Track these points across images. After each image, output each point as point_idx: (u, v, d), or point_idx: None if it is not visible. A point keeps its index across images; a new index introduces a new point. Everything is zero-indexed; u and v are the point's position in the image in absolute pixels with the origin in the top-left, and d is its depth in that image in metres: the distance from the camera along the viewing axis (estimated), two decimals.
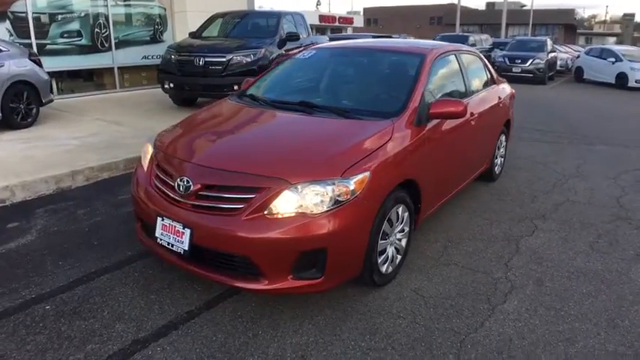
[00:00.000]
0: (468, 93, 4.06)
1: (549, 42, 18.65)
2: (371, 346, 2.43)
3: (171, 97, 7.93)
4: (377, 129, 2.85)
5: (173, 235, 2.54)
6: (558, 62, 19.49)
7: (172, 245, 2.55)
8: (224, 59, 7.11)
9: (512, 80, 18.78)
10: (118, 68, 9.72)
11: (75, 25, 8.86)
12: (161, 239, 2.60)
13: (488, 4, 65.38)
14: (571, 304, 2.90)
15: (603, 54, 17.06)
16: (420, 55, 3.58)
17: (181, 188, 2.54)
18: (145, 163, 3.02)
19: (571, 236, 3.87)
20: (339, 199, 2.40)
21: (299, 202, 2.38)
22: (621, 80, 15.68)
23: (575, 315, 2.79)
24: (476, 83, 4.39)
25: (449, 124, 3.45)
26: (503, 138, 5.15)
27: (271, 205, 2.38)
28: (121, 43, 9.71)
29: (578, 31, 63.17)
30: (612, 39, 73.54)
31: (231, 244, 2.40)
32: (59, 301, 2.72)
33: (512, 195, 4.81)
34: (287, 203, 2.38)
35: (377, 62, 3.77)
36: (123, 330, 2.47)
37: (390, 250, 2.92)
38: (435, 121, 3.27)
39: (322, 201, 2.38)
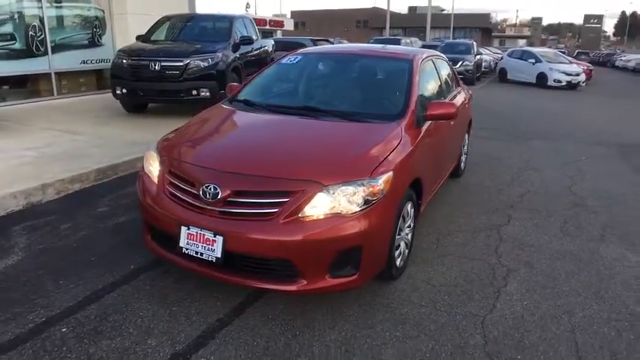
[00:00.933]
0: (444, 95, 4.33)
1: (475, 45, 19.96)
2: (406, 335, 2.56)
3: (122, 103, 7.58)
4: (388, 131, 2.99)
5: (202, 243, 2.51)
6: (483, 64, 20.90)
7: (202, 254, 2.51)
8: (181, 63, 6.93)
9: None
10: (55, 74, 9.09)
11: (7, 28, 8.18)
12: (187, 249, 2.56)
13: (410, 9, 68.42)
14: (560, 282, 3.22)
15: (524, 56, 18.57)
16: (408, 61, 3.78)
17: (208, 195, 2.52)
18: (152, 171, 2.93)
19: (542, 223, 4.25)
20: (369, 198, 2.51)
21: (332, 203, 2.46)
22: (541, 80, 17.18)
23: (567, 291, 3.10)
24: (448, 86, 4.68)
25: (434, 124, 3.68)
26: (466, 136, 5.52)
27: (306, 208, 2.44)
28: (58, 47, 9.09)
29: (493, 34, 67.88)
30: (523, 41, 79.92)
31: (270, 248, 2.43)
32: (75, 322, 2.58)
33: (480, 189, 5.17)
34: (321, 205, 2.45)
35: (367, 67, 3.92)
36: (157, 345, 2.41)
37: (402, 245, 3.07)
38: (427, 122, 3.48)
39: (355, 201, 2.48)
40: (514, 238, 3.89)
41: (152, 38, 8.04)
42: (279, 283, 2.50)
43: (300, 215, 2.43)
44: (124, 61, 7.06)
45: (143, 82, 6.99)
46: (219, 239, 2.45)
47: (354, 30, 60.38)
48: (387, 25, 30.47)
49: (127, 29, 9.59)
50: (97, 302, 2.75)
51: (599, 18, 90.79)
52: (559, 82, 16.87)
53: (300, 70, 4.01)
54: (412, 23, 56.58)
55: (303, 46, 16.53)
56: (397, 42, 20.19)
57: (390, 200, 2.64)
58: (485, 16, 60.58)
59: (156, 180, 2.86)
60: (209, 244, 2.49)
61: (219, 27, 8.23)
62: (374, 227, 2.53)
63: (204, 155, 2.85)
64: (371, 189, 2.52)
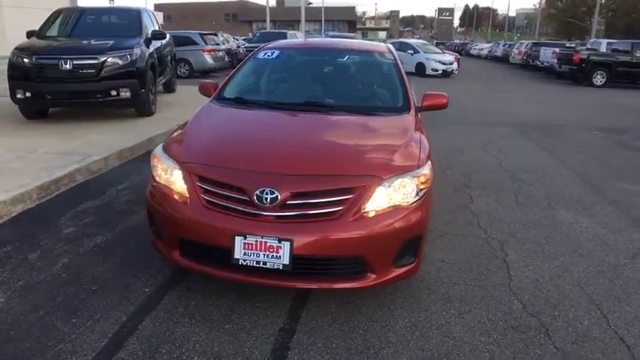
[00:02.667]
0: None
1: (355, 38, 21.03)
2: (460, 311, 2.73)
3: (22, 108, 6.54)
4: (406, 122, 3.10)
5: (264, 252, 2.36)
6: None
7: (265, 263, 2.37)
8: (97, 61, 6.21)
9: None
10: None
11: None
12: (245, 260, 2.38)
13: (278, 2, 68.93)
14: (546, 246, 3.67)
15: (402, 47, 20.04)
16: (387, 53, 3.91)
17: (265, 200, 2.37)
18: (173, 181, 2.65)
19: (499, 198, 4.74)
20: (421, 187, 2.60)
21: (391, 195, 2.50)
22: (420, 69, 18.73)
23: (554, 253, 3.55)
24: None
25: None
26: None
27: (368, 203, 2.44)
28: None
29: (357, 26, 71.67)
30: (383, 33, 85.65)
31: (342, 247, 2.39)
32: None
33: None
34: (381, 199, 2.47)
35: (353, 61, 3.96)
36: None
37: None
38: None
39: (411, 191, 2.55)
40: (487, 214, 4.29)
41: (47, 34, 7.03)
42: (351, 281, 2.47)
43: (364, 211, 2.43)
44: (25, 60, 6.10)
45: (51, 84, 6.12)
46: (286, 245, 2.34)
47: (224, 23, 59.09)
48: (267, 19, 30.51)
49: (1, 23, 8.26)
50: (134, 335, 2.43)
51: (451, 11, 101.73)
52: (436, 70, 18.59)
53: (285, 66, 3.90)
54: (282, 17, 57.16)
55: (192, 40, 15.85)
56: (284, 35, 20.37)
57: (430, 188, 2.75)
58: (351, 10, 63.78)
59: (182, 190, 2.59)
60: (273, 252, 2.35)
61: (126, 21, 7.51)
62: (428, 215, 2.63)
63: (246, 158, 2.66)
64: (422, 178, 2.61)
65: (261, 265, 2.38)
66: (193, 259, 2.60)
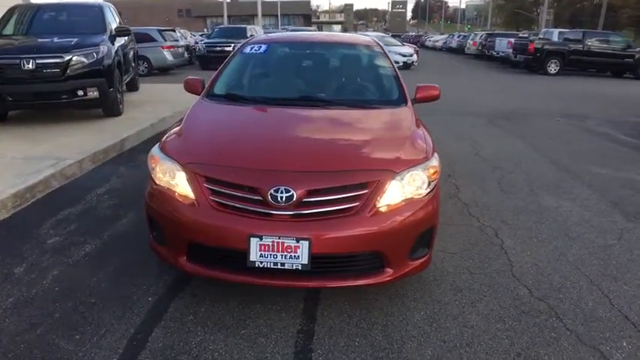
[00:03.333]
0: None
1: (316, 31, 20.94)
2: (473, 300, 2.76)
3: None
4: (406, 114, 3.09)
5: (282, 252, 2.28)
6: None
7: (283, 264, 2.29)
8: (62, 60, 5.86)
9: None
10: None
11: None
12: (261, 262, 2.30)
13: None
14: (536, 231, 3.76)
15: None
16: (375, 45, 3.88)
17: (280, 199, 2.29)
18: (175, 184, 2.52)
19: (484, 187, 4.83)
20: (432, 179, 2.59)
21: (404, 189, 2.47)
22: None
23: (547, 238, 3.65)
24: None
25: None
26: None
27: (383, 197, 2.41)
28: None
29: (312, 20, 71.48)
30: (337, 26, 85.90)
31: (361, 243, 2.35)
32: None
33: None
34: (396, 192, 2.45)
35: (341, 54, 3.91)
36: None
37: None
38: None
39: (422, 184, 2.53)
40: (475, 202, 4.36)
41: (3, 33, 6.57)
42: (368, 277, 2.44)
43: (379, 205, 2.39)
44: None
45: (12, 85, 5.73)
46: (304, 244, 2.27)
47: (177, 19, 57.53)
48: (225, 14, 29.87)
49: None
50: (146, 349, 2.30)
51: (404, 3, 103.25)
52: (397, 62, 18.71)
53: (274, 60, 3.80)
54: (237, 11, 56.20)
55: (150, 37, 15.32)
56: (243, 31, 20.02)
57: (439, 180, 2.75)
58: (306, 3, 63.51)
59: (187, 193, 2.47)
60: (291, 252, 2.28)
61: (88, 17, 7.13)
62: (438, 206, 2.63)
63: (256, 156, 2.56)
64: (431, 170, 2.60)
65: (278, 267, 2.30)
66: (202, 264, 2.48)
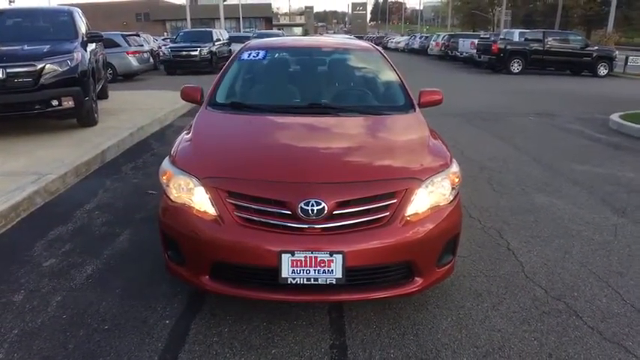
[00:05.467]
0: None
1: (215, 32, 20.80)
2: (493, 303, 2.78)
3: None
4: (420, 122, 3.09)
5: (315, 267, 2.22)
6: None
7: (316, 279, 2.23)
8: (34, 68, 5.55)
9: None
10: None
11: None
12: (294, 278, 2.23)
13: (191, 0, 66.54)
14: (538, 230, 3.84)
15: None
16: (375, 50, 3.87)
17: (311, 212, 2.23)
18: (195, 200, 2.41)
19: (477, 187, 4.91)
20: (454, 185, 2.59)
21: (430, 196, 2.46)
22: None
23: (549, 236, 3.73)
24: None
25: None
26: None
27: (412, 205, 2.38)
28: None
29: (273, 22, 71.20)
30: (298, 29, 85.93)
31: (394, 253, 2.31)
32: None
33: None
34: (423, 200, 2.43)
35: (342, 59, 3.86)
36: None
37: None
38: None
39: (448, 190, 2.53)
40: (473, 204, 4.41)
41: None
42: (399, 288, 2.40)
43: (408, 214, 2.37)
44: None
45: None
46: (338, 258, 2.21)
47: (135, 23, 55.92)
48: (188, 17, 29.24)
49: None
50: None
51: (364, 5, 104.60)
52: None
53: (276, 67, 3.73)
54: (197, 14, 55.26)
55: (114, 42, 14.79)
56: (209, 34, 19.71)
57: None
58: (267, 6, 63.20)
59: (207, 209, 2.37)
60: (325, 266, 2.22)
61: (58, 22, 6.80)
62: (461, 212, 2.63)
63: (280, 169, 2.47)
64: (454, 176, 2.60)
65: (312, 282, 2.24)
66: (228, 283, 2.39)
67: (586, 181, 5.15)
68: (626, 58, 19.36)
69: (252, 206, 2.30)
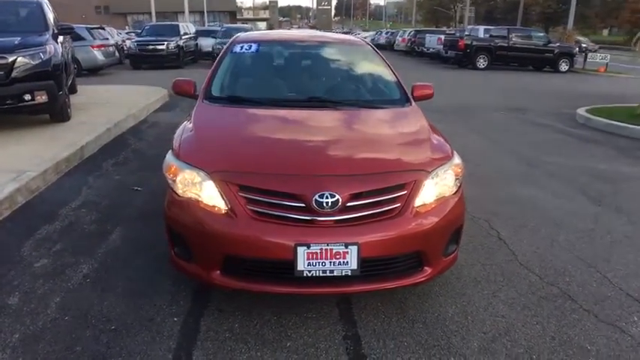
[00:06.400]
0: None
1: (183, 26, 20.53)
2: (494, 291, 2.88)
3: None
4: (419, 115, 3.15)
5: (330, 259, 2.23)
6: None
7: (332, 271, 2.25)
8: (5, 61, 5.28)
9: None
10: None
11: None
12: (309, 271, 2.24)
13: None
14: (525, 220, 3.99)
15: None
16: (366, 45, 3.90)
17: (325, 205, 2.24)
18: (203, 195, 2.38)
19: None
20: (458, 176, 2.65)
21: (437, 187, 2.52)
22: None
23: (536, 225, 3.88)
24: None
25: None
26: None
27: (420, 196, 2.43)
28: None
29: (238, 17, 70.17)
30: (262, 23, 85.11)
31: (406, 244, 2.36)
32: None
33: None
34: (431, 191, 2.49)
35: (335, 53, 3.86)
36: None
37: None
38: None
39: (452, 181, 2.59)
40: None
41: None
42: (409, 277, 2.45)
43: (418, 205, 2.42)
44: None
45: None
46: (353, 249, 2.24)
47: (94, 16, 53.92)
48: (153, 11, 28.44)
49: None
50: None
51: (329, 0, 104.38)
52: None
53: (270, 60, 3.70)
54: (160, 8, 53.77)
55: (78, 35, 14.24)
56: (176, 28, 19.27)
57: None
58: (232, 0, 62.32)
59: (217, 203, 2.34)
60: (340, 258, 2.24)
61: (26, 13, 6.49)
62: (464, 202, 2.70)
63: (291, 162, 2.47)
64: (457, 167, 2.67)
65: (327, 274, 2.25)
66: (240, 278, 2.37)
67: (562, 172, 5.37)
68: (586, 55, 20.23)
69: (265, 199, 2.30)
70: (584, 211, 4.24)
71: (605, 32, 60.04)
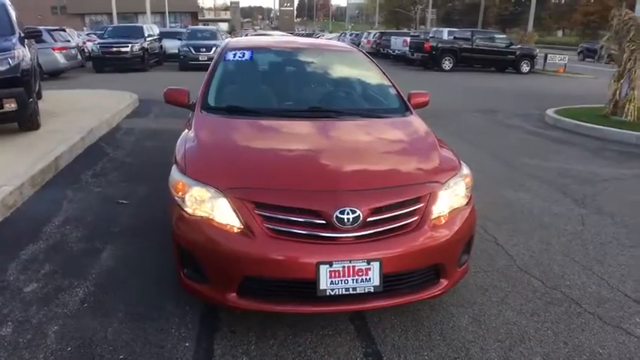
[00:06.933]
0: None
1: (219, 32, 20.37)
2: (500, 297, 2.91)
3: None
4: (421, 124, 3.16)
5: (353, 277, 2.19)
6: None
7: (355, 289, 2.21)
8: None
9: (200, 68, 19.62)
10: None
11: None
12: (332, 289, 2.19)
13: None
14: (517, 224, 4.07)
15: None
16: (359, 52, 3.89)
17: (347, 221, 2.20)
18: (214, 213, 2.29)
19: None
20: (468, 186, 2.67)
21: (450, 199, 2.52)
22: None
23: (528, 229, 3.97)
24: None
25: None
26: None
27: (435, 208, 2.43)
28: None
29: (199, 17, 68.98)
30: (224, 24, 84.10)
31: (425, 257, 2.35)
32: None
33: None
34: (445, 202, 2.49)
35: (329, 60, 3.82)
36: None
37: None
38: None
39: (463, 192, 2.60)
40: None
41: None
42: (428, 290, 2.44)
43: (434, 217, 2.41)
44: None
45: None
46: (375, 265, 2.20)
47: (51, 17, 51.69)
48: (114, 11, 27.48)
49: None
50: None
51: (292, 1, 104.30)
52: None
53: (265, 68, 3.63)
54: (120, 9, 52.13)
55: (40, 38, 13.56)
56: (140, 29, 18.71)
57: None
58: (194, 1, 61.19)
59: (232, 221, 2.26)
60: (362, 275, 2.20)
61: None
62: (475, 212, 2.71)
63: (308, 177, 2.41)
64: (467, 177, 2.68)
65: (350, 292, 2.21)
66: (258, 299, 2.29)
67: (542, 174, 5.53)
68: (545, 56, 21.04)
69: (284, 217, 2.23)
70: (570, 213, 4.36)
71: (560, 33, 62.69)
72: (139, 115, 8.61)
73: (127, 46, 16.30)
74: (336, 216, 2.20)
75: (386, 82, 3.59)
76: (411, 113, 3.31)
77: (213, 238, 2.27)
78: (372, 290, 2.23)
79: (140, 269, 3.11)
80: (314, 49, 3.97)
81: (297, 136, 2.88)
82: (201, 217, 2.32)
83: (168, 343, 2.41)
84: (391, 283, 2.31)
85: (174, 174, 2.51)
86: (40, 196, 4.35)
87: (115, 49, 16.24)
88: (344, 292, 2.20)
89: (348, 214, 2.21)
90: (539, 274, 3.23)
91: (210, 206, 2.31)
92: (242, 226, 2.24)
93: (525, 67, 19.65)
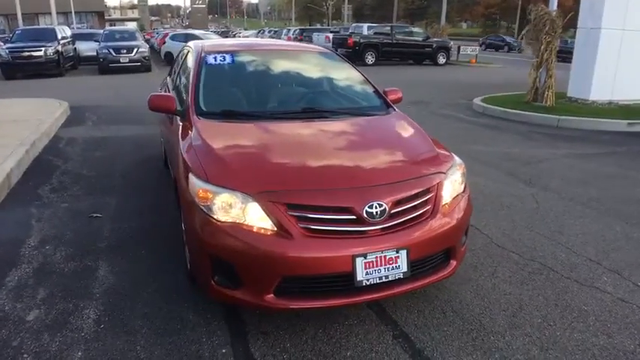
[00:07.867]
0: None
1: (138, 32, 19.46)
2: (490, 272, 3.24)
3: None
4: (408, 120, 3.39)
5: (385, 266, 2.37)
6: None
7: (387, 277, 2.39)
8: None
9: (121, 71, 18.55)
10: None
11: None
12: (367, 279, 2.35)
13: None
14: (482, 206, 4.46)
15: (190, 38, 19.42)
16: (332, 53, 4.05)
17: (376, 214, 2.37)
18: (248, 218, 2.35)
19: None
20: (463, 174, 2.94)
21: (452, 187, 2.78)
22: None
23: (492, 210, 4.39)
24: None
25: None
26: None
27: (441, 196, 2.67)
28: None
29: (106, 17, 64.92)
30: (133, 23, 79.96)
31: (442, 241, 2.58)
32: None
33: None
34: (449, 190, 2.74)
35: (309, 62, 3.91)
36: None
37: None
38: None
39: (459, 179, 2.87)
40: None
41: None
42: (442, 271, 2.68)
43: (443, 204, 2.64)
44: None
45: None
46: (403, 253, 2.40)
47: None
48: (19, 12, 24.96)
49: None
50: None
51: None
52: None
53: (249, 71, 3.67)
54: (21, 8, 47.40)
55: None
56: (53, 32, 17.33)
57: None
58: (100, 0, 57.41)
59: (265, 224, 2.33)
60: (393, 263, 2.38)
61: None
62: (470, 197, 2.99)
63: (332, 175, 2.56)
64: (460, 166, 2.95)
65: (382, 280, 2.38)
66: (295, 297, 2.39)
67: (487, 159, 6.06)
68: (459, 48, 22.55)
69: (317, 216, 2.35)
70: (522, 192, 4.86)
71: (464, 25, 67.16)
72: (74, 123, 8.08)
73: (41, 50, 15.09)
74: (366, 210, 2.36)
75: (365, 81, 3.79)
76: (394, 110, 3.54)
77: (248, 242, 2.32)
78: (402, 276, 2.42)
79: (144, 282, 3.04)
80: (291, 51, 4.07)
81: (304, 137, 2.98)
82: (232, 222, 2.37)
83: (206, 352, 2.42)
84: (417, 267, 2.52)
85: (196, 182, 2.51)
86: (3, 217, 4.02)
87: (26, 54, 14.97)
88: (377, 281, 2.37)
89: (375, 207, 2.38)
90: (515, 248, 3.61)
91: (240, 211, 2.36)
92: (275, 228, 2.33)
93: (442, 59, 20.95)
